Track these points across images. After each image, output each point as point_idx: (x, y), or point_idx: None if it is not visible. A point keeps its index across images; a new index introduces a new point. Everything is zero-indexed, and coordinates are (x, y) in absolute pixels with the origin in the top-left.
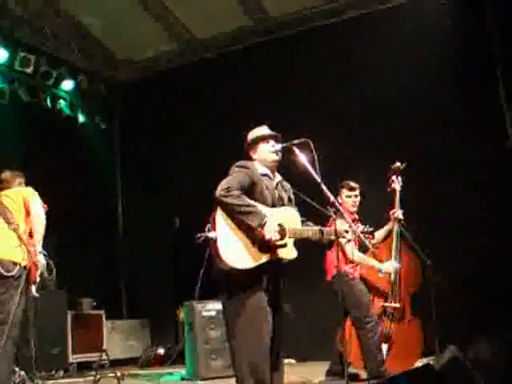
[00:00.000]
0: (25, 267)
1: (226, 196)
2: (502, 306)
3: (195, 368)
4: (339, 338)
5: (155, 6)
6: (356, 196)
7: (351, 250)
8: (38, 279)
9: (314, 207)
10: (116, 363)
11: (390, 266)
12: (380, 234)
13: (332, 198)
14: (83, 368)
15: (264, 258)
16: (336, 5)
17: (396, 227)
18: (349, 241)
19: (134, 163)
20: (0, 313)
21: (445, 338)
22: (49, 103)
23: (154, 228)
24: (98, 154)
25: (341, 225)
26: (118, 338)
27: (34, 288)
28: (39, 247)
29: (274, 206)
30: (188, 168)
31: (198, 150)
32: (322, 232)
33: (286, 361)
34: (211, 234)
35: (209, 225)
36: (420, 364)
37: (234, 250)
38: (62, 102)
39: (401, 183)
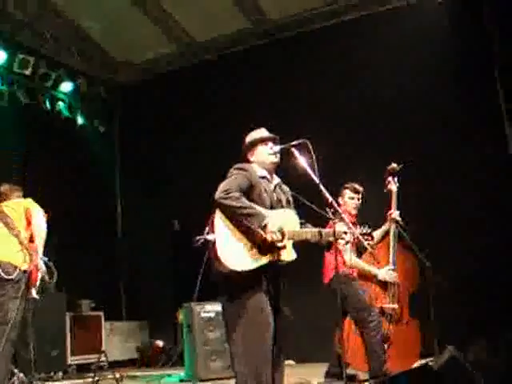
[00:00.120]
0: (25, 271)
1: (226, 198)
2: (501, 306)
3: (194, 369)
4: (337, 339)
5: (154, 8)
6: (359, 199)
7: (349, 255)
8: (38, 283)
9: (312, 209)
10: (115, 365)
11: (386, 275)
12: (377, 234)
13: (330, 199)
14: (82, 370)
15: (264, 260)
16: (336, 6)
17: (393, 228)
18: (347, 242)
19: (133, 164)
20: None
21: (444, 339)
22: (48, 105)
23: (153, 228)
24: (97, 155)
25: (340, 226)
26: (117, 340)
27: (34, 291)
28: (40, 253)
29: (272, 208)
30: (187, 169)
31: (197, 151)
32: (320, 234)
33: (285, 362)
34: (210, 237)
35: (207, 227)
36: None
37: (233, 253)
38: (60, 103)
39: (397, 184)
